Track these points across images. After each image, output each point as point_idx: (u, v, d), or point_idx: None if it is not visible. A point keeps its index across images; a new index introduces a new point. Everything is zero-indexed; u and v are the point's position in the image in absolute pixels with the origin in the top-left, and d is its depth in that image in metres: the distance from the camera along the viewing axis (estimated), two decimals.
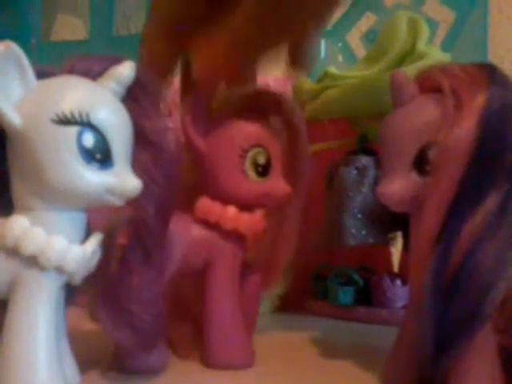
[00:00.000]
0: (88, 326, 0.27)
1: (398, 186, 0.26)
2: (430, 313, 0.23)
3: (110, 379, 0.28)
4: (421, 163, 0.26)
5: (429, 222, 0.24)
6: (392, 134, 0.27)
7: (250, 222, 0.32)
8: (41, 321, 0.23)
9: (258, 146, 0.31)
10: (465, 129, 0.23)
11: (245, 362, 0.31)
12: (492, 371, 0.24)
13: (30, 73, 0.23)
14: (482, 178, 0.23)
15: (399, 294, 0.45)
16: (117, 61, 0.25)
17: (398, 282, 0.46)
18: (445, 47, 0.54)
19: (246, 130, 0.32)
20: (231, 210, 0.31)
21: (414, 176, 0.26)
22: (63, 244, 0.23)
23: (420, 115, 0.26)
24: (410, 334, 0.26)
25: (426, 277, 0.23)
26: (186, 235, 0.31)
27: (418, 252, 0.25)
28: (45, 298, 0.23)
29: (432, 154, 0.25)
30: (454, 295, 0.23)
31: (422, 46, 0.44)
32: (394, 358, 0.28)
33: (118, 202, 0.24)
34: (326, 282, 0.49)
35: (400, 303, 0.45)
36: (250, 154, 0.31)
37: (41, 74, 0.24)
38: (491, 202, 0.23)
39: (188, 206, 0.32)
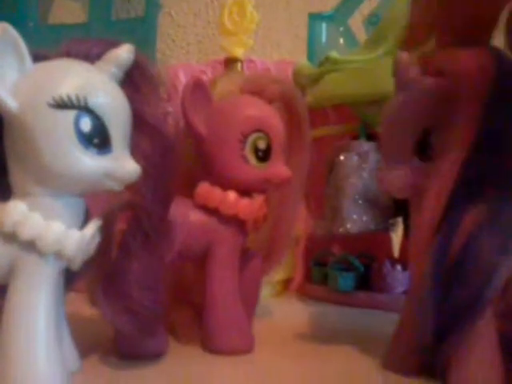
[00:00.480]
0: (88, 311, 0.27)
1: (399, 173, 0.26)
2: (431, 300, 0.23)
3: (109, 364, 0.28)
4: (422, 148, 0.25)
5: (430, 208, 0.23)
6: (393, 117, 0.27)
7: (250, 207, 0.32)
8: (40, 306, 0.23)
9: (259, 130, 0.31)
10: (466, 114, 0.23)
11: (245, 346, 0.31)
12: (492, 358, 0.24)
13: (27, 56, 0.23)
14: (485, 164, 0.23)
15: (399, 279, 0.45)
16: (115, 44, 0.25)
17: (398, 268, 0.46)
18: None
19: (247, 115, 0.31)
20: (231, 195, 0.31)
21: (415, 162, 0.25)
22: (61, 229, 0.23)
23: (422, 98, 0.26)
24: (411, 321, 0.26)
25: (427, 263, 0.23)
26: (185, 221, 0.31)
27: (419, 239, 0.25)
28: (44, 283, 0.23)
29: (434, 139, 0.25)
30: (455, 282, 0.22)
31: None
32: (395, 344, 0.28)
33: (116, 186, 0.24)
34: (326, 267, 0.49)
35: (400, 288, 0.45)
36: (251, 139, 0.31)
37: (37, 57, 0.23)
38: (493, 188, 0.22)
39: (188, 192, 0.32)
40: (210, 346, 0.31)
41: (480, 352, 0.23)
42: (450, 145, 0.23)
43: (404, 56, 0.26)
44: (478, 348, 0.23)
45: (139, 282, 0.26)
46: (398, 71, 0.27)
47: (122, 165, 0.24)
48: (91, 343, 0.31)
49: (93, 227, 0.24)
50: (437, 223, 0.23)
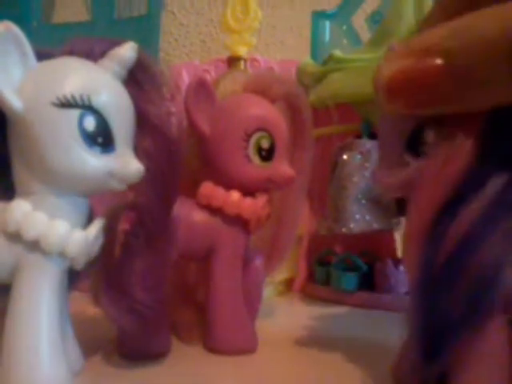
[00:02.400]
0: (91, 311, 0.27)
1: (392, 171, 0.25)
2: (417, 311, 0.21)
3: (112, 364, 0.28)
4: (415, 145, 0.24)
5: (425, 206, 0.22)
6: (386, 114, 0.26)
7: (254, 207, 0.32)
8: (44, 305, 0.23)
9: (262, 130, 0.31)
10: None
11: (248, 346, 0.31)
12: (501, 370, 0.21)
13: (31, 54, 0.23)
14: (484, 160, 0.21)
15: (402, 279, 0.45)
16: (118, 42, 0.25)
17: (402, 268, 0.46)
18: None
19: (250, 114, 0.31)
20: (234, 194, 0.31)
21: (408, 159, 0.24)
22: (65, 228, 0.23)
23: None
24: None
25: (418, 265, 0.21)
26: (189, 220, 0.31)
27: (413, 237, 0.23)
28: (47, 282, 0.23)
29: (427, 135, 0.23)
30: (452, 284, 0.20)
31: None
32: (403, 351, 0.27)
33: (120, 186, 0.24)
34: (329, 267, 0.49)
35: (403, 289, 0.45)
36: (254, 138, 0.31)
37: (41, 56, 0.23)
38: (494, 182, 0.20)
39: (191, 191, 0.32)
40: (212, 345, 0.31)
41: (486, 363, 0.21)
42: (447, 139, 0.22)
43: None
44: (481, 368, 0.21)
45: (142, 282, 0.26)
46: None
47: (125, 164, 0.24)
48: (94, 343, 0.31)
49: (96, 227, 0.24)
50: (430, 222, 0.21)
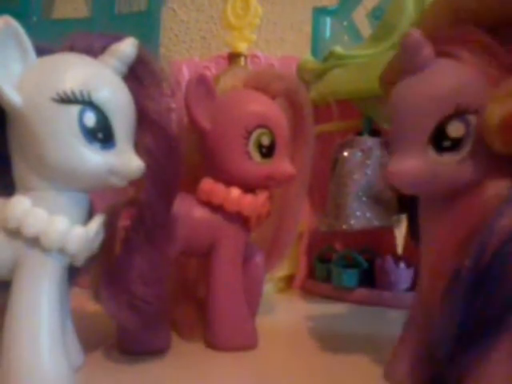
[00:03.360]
0: (91, 307, 0.27)
1: (411, 165, 0.22)
2: (456, 306, 0.21)
3: (113, 360, 0.28)
4: (439, 139, 0.22)
5: (481, 208, 0.21)
6: (406, 104, 0.23)
7: (254, 203, 0.32)
8: (44, 302, 0.23)
9: (263, 126, 0.31)
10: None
11: (248, 343, 0.31)
12: None
13: (30, 49, 0.22)
14: None
15: (403, 276, 0.45)
16: (118, 38, 0.25)
17: (402, 265, 0.46)
18: None
19: (250, 111, 0.31)
20: (235, 191, 0.31)
21: (430, 153, 0.22)
22: (65, 225, 0.23)
23: (438, 83, 0.22)
24: (419, 328, 0.25)
25: (459, 268, 0.21)
26: (189, 217, 0.31)
27: (446, 246, 0.22)
28: (48, 279, 0.23)
29: (453, 129, 0.22)
30: (487, 286, 0.20)
31: None
32: (399, 352, 0.27)
33: (120, 182, 0.24)
34: (329, 264, 0.49)
35: (403, 286, 0.45)
36: (254, 135, 0.31)
37: (40, 51, 0.23)
38: None
39: (191, 188, 0.32)
40: (213, 342, 0.31)
41: (506, 370, 0.21)
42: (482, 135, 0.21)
43: (417, 34, 0.23)
44: (504, 365, 0.21)
45: (142, 278, 0.26)
46: (408, 51, 0.23)
47: (126, 160, 0.24)
48: (94, 338, 0.31)
49: (97, 223, 0.24)
50: (477, 228, 0.21)
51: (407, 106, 0.23)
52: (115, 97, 0.23)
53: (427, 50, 0.23)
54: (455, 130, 0.22)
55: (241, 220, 0.32)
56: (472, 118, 0.22)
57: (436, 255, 0.24)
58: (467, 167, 0.22)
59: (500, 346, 0.21)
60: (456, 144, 0.22)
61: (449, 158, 0.22)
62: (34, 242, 0.23)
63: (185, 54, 0.77)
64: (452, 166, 0.22)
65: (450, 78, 0.22)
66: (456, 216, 0.23)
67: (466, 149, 0.22)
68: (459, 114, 0.22)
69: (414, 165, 0.22)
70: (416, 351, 0.25)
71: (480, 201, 0.22)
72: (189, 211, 0.31)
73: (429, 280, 0.25)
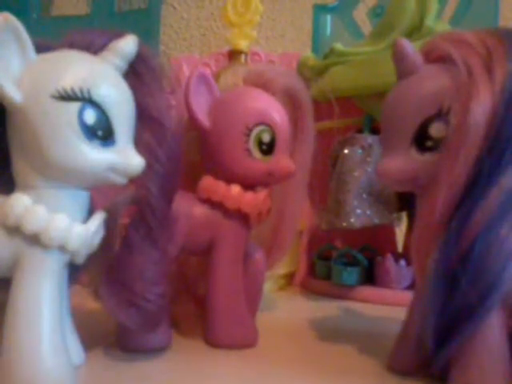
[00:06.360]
0: (92, 304, 0.27)
1: (396, 164, 0.24)
2: (434, 298, 0.22)
3: (113, 357, 0.28)
4: (421, 139, 0.24)
5: (440, 202, 0.22)
6: (391, 107, 0.25)
7: (254, 201, 0.31)
8: (44, 299, 0.23)
9: (263, 123, 0.31)
10: (483, 105, 0.21)
11: (248, 340, 0.31)
12: (499, 360, 0.22)
13: (30, 46, 0.22)
14: (498, 158, 0.21)
15: (403, 274, 0.45)
16: (118, 35, 0.25)
17: (402, 263, 0.46)
18: (454, 23, 0.53)
19: (251, 108, 0.31)
20: (235, 189, 0.31)
21: (413, 153, 0.24)
22: (66, 222, 0.23)
23: (422, 87, 0.24)
24: (416, 321, 0.25)
25: (432, 260, 0.22)
26: (189, 214, 0.30)
27: (425, 232, 0.24)
28: (48, 276, 0.23)
29: (434, 130, 0.23)
30: (462, 278, 0.21)
31: (430, 21, 0.43)
32: (399, 344, 0.28)
33: (120, 180, 0.24)
34: (329, 261, 0.49)
35: (404, 283, 0.45)
36: (255, 132, 0.31)
37: (40, 48, 0.23)
38: (507, 182, 0.21)
39: (192, 185, 0.32)
40: (213, 339, 0.31)
41: (486, 355, 0.22)
42: (465, 136, 0.22)
43: (404, 42, 0.25)
44: (484, 350, 0.22)
45: (142, 276, 0.26)
46: (399, 58, 0.25)
47: (126, 157, 0.23)
48: (95, 336, 0.31)
49: (97, 221, 0.24)
50: (447, 216, 0.22)
51: (394, 108, 0.25)
52: (115, 94, 0.23)
53: (414, 58, 0.25)
54: (437, 130, 0.23)
55: (241, 217, 0.32)
56: (452, 119, 0.23)
57: (422, 248, 0.25)
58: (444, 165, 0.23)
59: (478, 335, 0.22)
60: (437, 144, 0.23)
61: (429, 157, 0.24)
62: (34, 239, 0.23)
63: (185, 51, 0.77)
64: (432, 164, 0.24)
65: (433, 81, 0.24)
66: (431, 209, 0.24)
67: (444, 148, 0.23)
68: (441, 115, 0.23)
69: (398, 164, 0.24)
70: (416, 340, 0.25)
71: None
72: (189, 209, 0.31)
73: (419, 272, 0.26)
